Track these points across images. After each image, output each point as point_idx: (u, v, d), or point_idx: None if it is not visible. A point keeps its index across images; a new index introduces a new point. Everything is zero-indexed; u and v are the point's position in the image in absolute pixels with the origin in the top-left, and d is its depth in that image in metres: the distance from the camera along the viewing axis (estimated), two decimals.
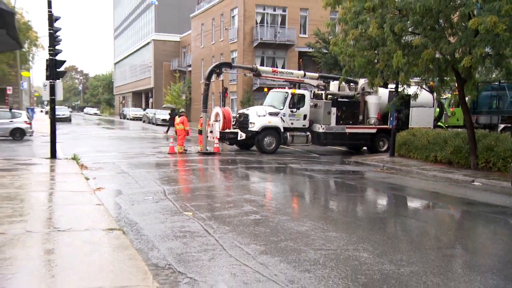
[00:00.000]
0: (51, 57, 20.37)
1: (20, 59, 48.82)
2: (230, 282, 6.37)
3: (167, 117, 43.93)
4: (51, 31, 20.29)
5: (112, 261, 6.90)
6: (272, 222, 9.92)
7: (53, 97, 21.08)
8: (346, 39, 18.95)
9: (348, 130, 26.23)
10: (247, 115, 25.90)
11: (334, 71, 36.49)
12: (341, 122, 26.12)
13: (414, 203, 14.81)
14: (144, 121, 63.99)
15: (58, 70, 20.74)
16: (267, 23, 51.35)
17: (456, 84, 20.17)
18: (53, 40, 20.41)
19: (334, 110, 26.04)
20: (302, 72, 29.69)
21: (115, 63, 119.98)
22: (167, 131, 40.77)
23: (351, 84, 27.73)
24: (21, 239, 7.86)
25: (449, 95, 30.21)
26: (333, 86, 27.94)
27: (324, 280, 6.41)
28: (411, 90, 22.10)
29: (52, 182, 14.61)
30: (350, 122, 26.43)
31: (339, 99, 26.85)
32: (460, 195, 15.17)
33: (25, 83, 56.60)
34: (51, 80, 20.51)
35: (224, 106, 27.92)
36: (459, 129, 23.84)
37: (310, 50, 45.26)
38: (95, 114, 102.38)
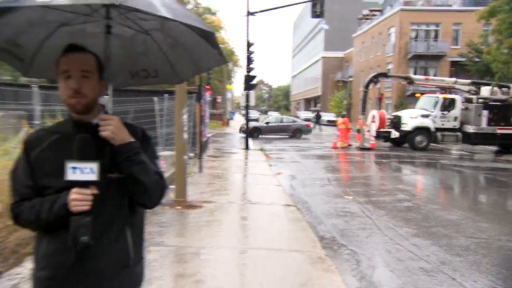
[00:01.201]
0: (247, 74, 21.79)
1: (226, 76, 52.40)
2: (385, 257, 6.21)
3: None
4: (248, 55, 21.67)
5: (288, 230, 7.19)
6: (424, 210, 9.36)
7: (247, 103, 22.70)
8: (500, 48, 17.50)
9: (499, 131, 23.93)
10: (400, 117, 25.12)
11: (485, 78, 33.64)
12: (492, 123, 23.96)
13: None
14: (312, 122, 65.01)
15: (251, 83, 22.17)
16: (420, 37, 49.28)
17: None
18: (249, 61, 21.75)
19: (485, 112, 24.00)
20: (453, 79, 27.73)
21: (293, 76, 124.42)
22: (314, 128, 40.65)
23: (503, 88, 25.23)
24: (225, 207, 8.54)
25: None
26: (485, 91, 25.58)
27: (476, 265, 5.93)
28: None
29: (245, 166, 15.48)
30: (502, 124, 24.04)
31: (490, 103, 24.51)
32: None
33: (229, 93, 60.67)
34: (246, 91, 22.12)
35: (380, 110, 27.28)
36: None
37: (462, 59, 42.18)
38: None
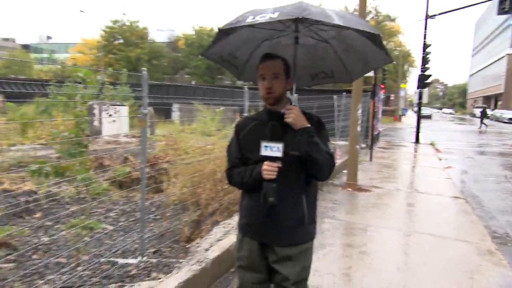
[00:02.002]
0: (421, 73, 20.29)
1: (401, 76, 49.76)
2: None
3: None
4: (424, 55, 20.16)
5: (455, 221, 6.58)
6: None
7: (420, 100, 21.17)
8: None
9: None
10: None
11: None
12: None
13: None
14: (491, 119, 57.05)
15: (425, 82, 20.53)
16: None
17: None
18: (424, 61, 20.21)
19: None
20: None
21: (470, 75, 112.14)
22: (480, 127, 35.04)
23: None
24: (392, 193, 8.23)
25: None
26: None
27: None
28: None
29: (414, 159, 14.52)
30: None
31: None
32: None
33: (403, 92, 57.46)
34: (420, 89, 20.64)
35: None
36: None
37: None
38: (450, 113, 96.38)
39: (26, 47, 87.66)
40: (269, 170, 2.09)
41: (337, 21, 1.95)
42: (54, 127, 9.25)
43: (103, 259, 3.87)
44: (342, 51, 2.52)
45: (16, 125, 10.78)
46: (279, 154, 2.10)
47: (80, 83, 10.56)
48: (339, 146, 10.73)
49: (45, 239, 4.36)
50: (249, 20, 1.97)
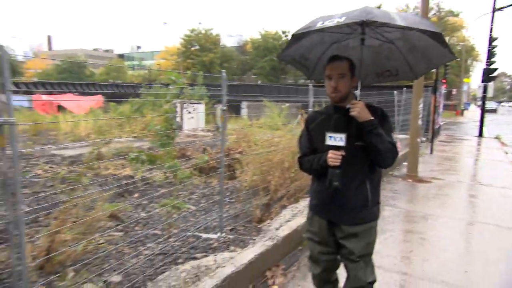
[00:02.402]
0: (486, 67, 18.82)
1: (463, 70, 46.23)
2: None
3: None
4: (489, 49, 18.67)
5: None
6: None
7: (484, 94, 19.62)
8: None
9: None
10: None
11: None
12: None
13: None
14: None
15: (490, 75, 18.97)
16: None
17: None
18: (490, 55, 18.72)
19: None
20: None
21: None
22: None
23: None
24: (453, 185, 7.86)
25: None
26: None
27: None
28: None
29: (477, 152, 13.55)
30: None
31: None
32: None
33: (466, 86, 53.29)
34: (484, 83, 19.14)
35: None
36: None
37: None
38: (510, 106, 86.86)
39: (121, 56, 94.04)
40: (333, 158, 2.17)
41: (400, 22, 1.97)
42: (145, 122, 9.99)
43: (189, 233, 4.18)
44: (406, 50, 2.51)
45: (116, 121, 11.80)
46: (342, 143, 2.16)
47: (167, 85, 11.25)
48: (399, 140, 10.39)
49: (143, 214, 4.78)
50: (319, 25, 2.05)
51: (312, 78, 2.81)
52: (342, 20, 1.98)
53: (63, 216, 3.39)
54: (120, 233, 4.18)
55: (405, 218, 5.69)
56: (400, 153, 9.58)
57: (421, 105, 8.46)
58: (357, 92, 2.40)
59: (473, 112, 44.61)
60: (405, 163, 8.84)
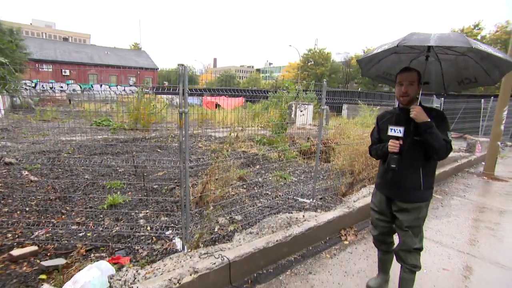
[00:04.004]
0: None
1: None
2: None
3: None
4: None
5: None
6: None
7: None
8: None
9: None
10: None
11: None
12: None
13: None
14: None
15: None
16: None
17: None
18: None
19: None
20: None
21: None
22: None
23: None
24: None
25: None
26: None
27: None
28: None
29: None
30: None
31: None
32: None
33: None
34: None
35: None
36: None
37: None
38: None
39: (258, 70, 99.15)
40: (392, 145, 2.10)
41: (469, 44, 1.77)
42: (269, 117, 10.41)
43: (289, 196, 4.30)
44: (480, 59, 2.23)
45: (250, 115, 12.61)
46: (400, 134, 2.08)
47: (286, 90, 11.57)
48: (480, 142, 8.69)
49: (260, 179, 5.05)
50: (381, 49, 2.05)
51: (390, 85, 2.66)
52: (386, 46, 1.98)
53: (211, 173, 3.84)
54: (244, 190, 4.48)
55: (472, 208, 4.85)
56: (480, 154, 8.07)
57: (505, 113, 6.94)
58: (436, 99, 2.21)
59: None
60: (484, 163, 7.42)
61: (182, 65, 2.47)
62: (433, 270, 2.99)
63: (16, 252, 2.63)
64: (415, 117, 2.04)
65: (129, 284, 2.12)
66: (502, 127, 7.03)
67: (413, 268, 2.26)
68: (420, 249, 2.24)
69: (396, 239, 2.47)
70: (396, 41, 1.94)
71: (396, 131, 2.11)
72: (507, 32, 31.48)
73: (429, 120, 2.03)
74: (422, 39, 1.86)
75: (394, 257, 2.45)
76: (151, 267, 2.34)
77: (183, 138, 2.57)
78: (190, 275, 2.26)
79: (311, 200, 4.18)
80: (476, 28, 33.47)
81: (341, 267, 2.97)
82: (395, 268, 2.68)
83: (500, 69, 2.19)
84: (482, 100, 9.71)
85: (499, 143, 7.09)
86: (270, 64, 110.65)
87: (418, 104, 2.15)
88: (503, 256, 3.34)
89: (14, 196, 3.80)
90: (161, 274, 2.25)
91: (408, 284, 2.30)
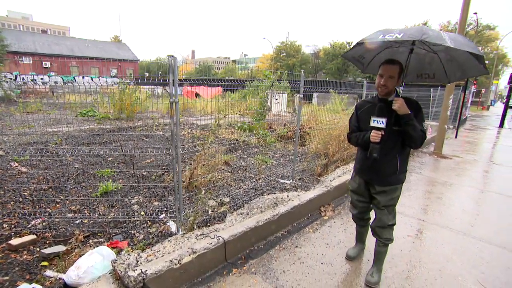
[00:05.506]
0: None
1: (494, 74, 38.05)
2: None
3: None
4: None
5: None
6: None
7: (509, 94, 15.99)
8: None
9: None
10: None
11: None
12: None
13: None
14: None
15: None
16: None
17: None
18: None
19: None
20: None
21: None
22: None
23: None
24: (470, 162, 6.79)
25: None
26: None
27: None
28: None
29: (496, 139, 11.34)
30: None
31: None
32: None
33: (494, 86, 44.08)
34: (510, 84, 15.55)
35: None
36: None
37: None
38: None
39: (234, 61, 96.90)
40: (374, 136, 2.06)
41: (449, 43, 1.72)
42: (247, 105, 10.25)
43: (271, 178, 4.27)
44: (446, 61, 2.22)
45: (229, 104, 12.34)
46: (383, 126, 2.03)
47: (262, 80, 11.42)
48: (431, 125, 9.19)
49: (243, 163, 4.96)
50: (380, 38, 1.88)
51: (365, 72, 2.62)
52: (400, 36, 1.77)
53: (198, 159, 3.71)
54: (229, 174, 4.40)
55: (427, 182, 5.15)
56: (430, 136, 8.53)
57: (451, 100, 7.34)
58: (400, 89, 2.19)
59: (498, 108, 36.92)
60: (433, 144, 7.87)
61: (172, 56, 2.29)
62: (399, 237, 3.15)
63: (15, 241, 2.43)
64: (398, 109, 2.00)
65: (132, 267, 2.03)
66: (449, 112, 7.44)
67: (386, 242, 2.32)
68: (394, 224, 2.31)
69: (372, 214, 2.54)
70: (412, 32, 1.77)
71: (378, 122, 2.05)
72: (448, 31, 32.97)
73: (410, 112, 2.00)
74: (440, 38, 1.76)
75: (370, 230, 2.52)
76: (151, 250, 2.25)
77: (175, 126, 2.43)
78: (189, 255, 2.20)
79: (291, 181, 4.18)
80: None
81: (323, 240, 3.05)
82: (370, 238, 2.78)
83: (465, 73, 2.18)
84: (432, 89, 10.21)
85: (445, 126, 7.52)
86: (245, 55, 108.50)
87: (398, 95, 2.12)
88: (449, 220, 3.59)
89: (6, 187, 3.47)
90: (162, 256, 2.17)
91: (382, 255, 2.38)
